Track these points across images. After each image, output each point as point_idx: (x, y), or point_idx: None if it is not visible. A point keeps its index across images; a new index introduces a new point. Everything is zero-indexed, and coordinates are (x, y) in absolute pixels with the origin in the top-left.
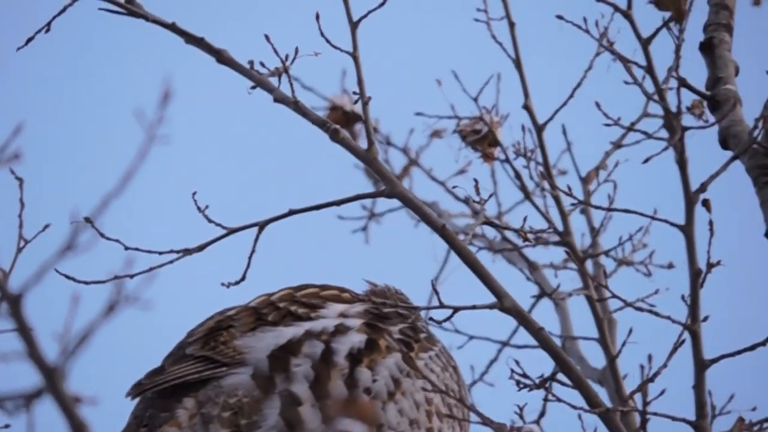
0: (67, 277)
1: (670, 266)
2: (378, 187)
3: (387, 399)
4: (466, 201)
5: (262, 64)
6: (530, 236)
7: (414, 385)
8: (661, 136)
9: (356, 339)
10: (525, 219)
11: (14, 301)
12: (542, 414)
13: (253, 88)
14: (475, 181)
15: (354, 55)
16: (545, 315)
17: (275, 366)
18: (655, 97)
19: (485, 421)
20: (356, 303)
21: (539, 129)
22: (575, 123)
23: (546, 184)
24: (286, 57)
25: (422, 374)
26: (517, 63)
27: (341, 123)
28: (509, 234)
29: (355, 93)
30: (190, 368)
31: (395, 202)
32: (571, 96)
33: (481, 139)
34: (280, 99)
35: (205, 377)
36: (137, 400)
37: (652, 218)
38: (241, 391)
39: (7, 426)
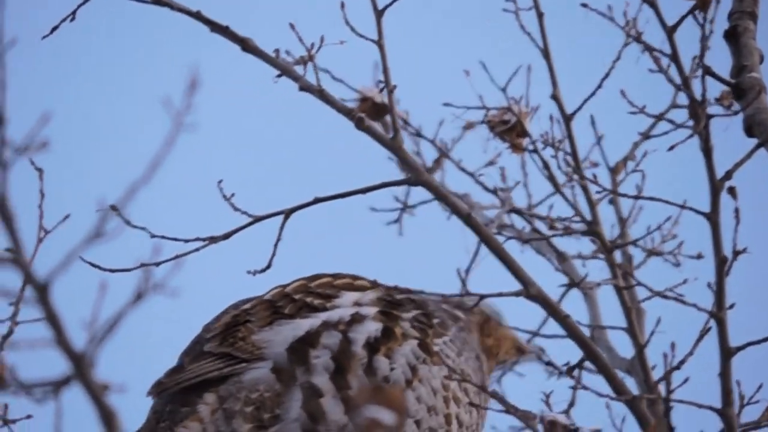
0: (93, 265)
1: (699, 256)
2: (407, 177)
3: (405, 386)
4: (495, 191)
5: (288, 53)
6: (558, 225)
7: (430, 371)
8: (688, 125)
9: (372, 327)
10: (551, 207)
11: (41, 289)
12: (571, 403)
13: (279, 76)
14: (501, 169)
15: (379, 44)
16: (574, 305)
17: (295, 359)
18: (681, 85)
19: (509, 410)
20: (369, 291)
21: (567, 119)
22: (603, 113)
23: (574, 175)
24: (312, 45)
25: (441, 360)
26: (546, 53)
27: (371, 114)
28: (538, 224)
29: (380, 82)
30: (210, 365)
31: (428, 194)
32: (600, 86)
33: (509, 129)
34: (305, 87)
35: (225, 374)
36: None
37: (679, 206)
38: (262, 385)
39: (29, 416)
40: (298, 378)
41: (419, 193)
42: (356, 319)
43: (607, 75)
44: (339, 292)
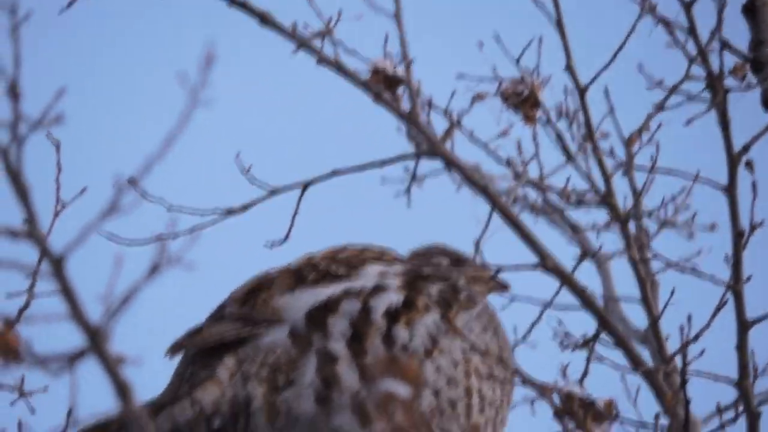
0: (110, 238)
1: (713, 228)
2: (420, 149)
3: (424, 357)
4: (508, 163)
5: (306, 27)
6: (572, 197)
7: (452, 343)
8: (703, 98)
9: (394, 298)
10: (568, 180)
11: (57, 262)
12: (585, 374)
13: (297, 50)
14: (518, 143)
15: (397, 17)
16: (588, 277)
17: (312, 324)
18: (698, 59)
19: (528, 382)
20: (396, 264)
21: (582, 91)
22: (618, 86)
23: (588, 146)
24: (329, 19)
25: (461, 333)
26: (559, 24)
27: (383, 86)
28: (551, 196)
29: (397, 55)
30: (229, 327)
31: (437, 165)
32: (614, 58)
33: (522, 101)
34: (323, 61)
35: (243, 336)
36: (179, 358)
37: (695, 179)
38: (279, 349)
39: (45, 388)
40: (314, 343)
41: (428, 165)
42: (379, 288)
43: (621, 47)
44: (364, 263)
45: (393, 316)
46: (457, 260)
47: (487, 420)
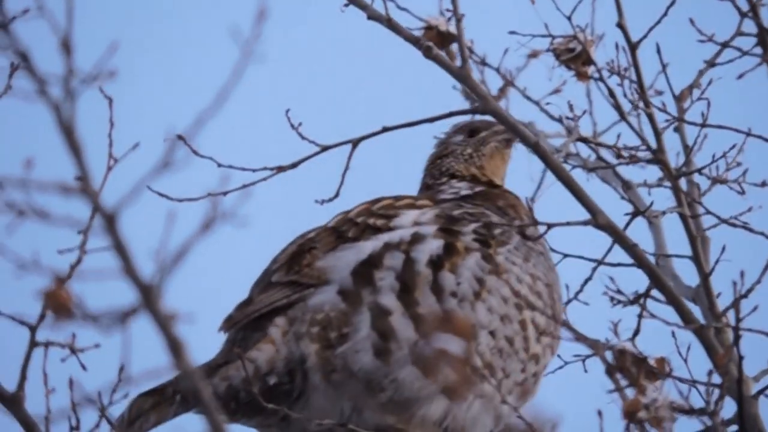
0: (161, 194)
1: (764, 184)
2: (472, 105)
3: (474, 299)
4: (560, 120)
5: None
6: (624, 154)
7: (498, 280)
8: (755, 53)
9: (434, 245)
10: (619, 137)
11: (109, 218)
12: (637, 331)
13: (347, 5)
14: (569, 103)
15: None
16: (639, 234)
17: (359, 281)
18: (750, 14)
19: (579, 338)
20: (427, 209)
21: (633, 47)
22: (669, 42)
23: (640, 103)
24: None
25: (505, 269)
26: None
27: (436, 43)
28: (603, 153)
29: (448, 11)
30: (278, 294)
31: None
32: (665, 14)
33: (575, 57)
34: (373, 16)
35: (293, 300)
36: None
37: (747, 134)
38: (327, 306)
39: (97, 345)
40: (364, 299)
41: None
42: (417, 238)
43: (672, 2)
44: (399, 212)
45: (436, 263)
46: (473, 129)
47: (544, 347)
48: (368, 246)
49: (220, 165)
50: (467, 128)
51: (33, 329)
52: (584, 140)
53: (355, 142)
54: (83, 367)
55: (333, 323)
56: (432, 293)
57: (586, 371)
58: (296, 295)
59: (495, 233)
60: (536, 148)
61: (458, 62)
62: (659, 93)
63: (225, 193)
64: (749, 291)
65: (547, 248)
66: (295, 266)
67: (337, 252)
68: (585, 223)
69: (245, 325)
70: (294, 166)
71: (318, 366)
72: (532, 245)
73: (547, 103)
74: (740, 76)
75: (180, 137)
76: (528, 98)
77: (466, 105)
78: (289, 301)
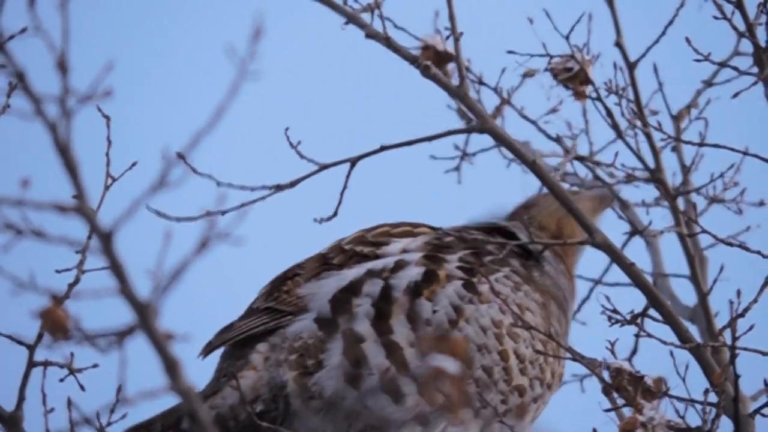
0: (159, 213)
1: (761, 204)
2: (470, 125)
3: (449, 327)
4: (558, 139)
5: (355, 0)
6: (621, 173)
7: (478, 310)
8: (751, 73)
9: (414, 272)
10: (616, 155)
11: (106, 238)
12: (634, 350)
13: (346, 23)
14: (568, 123)
15: None
16: (637, 253)
17: (337, 308)
18: (745, 32)
19: (575, 357)
20: (422, 236)
21: (631, 67)
22: (667, 61)
23: (638, 122)
24: None
25: (486, 298)
26: (609, 0)
27: (433, 62)
28: (600, 172)
29: (447, 29)
30: (256, 321)
31: (487, 142)
32: (663, 33)
33: (572, 77)
34: (372, 35)
35: (271, 328)
36: (217, 357)
37: (744, 153)
38: (305, 333)
39: (95, 365)
40: (340, 326)
41: (478, 141)
42: (400, 265)
43: (670, 22)
44: (390, 240)
45: (414, 291)
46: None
47: (532, 379)
48: (351, 273)
49: (219, 183)
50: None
51: (31, 349)
52: (582, 159)
53: (354, 161)
54: (81, 387)
55: (310, 350)
56: (407, 320)
57: (583, 391)
58: (273, 323)
59: (485, 261)
60: (534, 167)
61: (455, 81)
62: (655, 113)
63: (223, 212)
64: (746, 310)
65: (560, 269)
66: (275, 293)
67: (319, 280)
68: (582, 242)
69: (230, 353)
70: (293, 184)
71: (297, 392)
72: (543, 268)
73: (546, 122)
74: (735, 96)
75: (179, 155)
76: (525, 117)
77: (460, 124)
78: (267, 329)
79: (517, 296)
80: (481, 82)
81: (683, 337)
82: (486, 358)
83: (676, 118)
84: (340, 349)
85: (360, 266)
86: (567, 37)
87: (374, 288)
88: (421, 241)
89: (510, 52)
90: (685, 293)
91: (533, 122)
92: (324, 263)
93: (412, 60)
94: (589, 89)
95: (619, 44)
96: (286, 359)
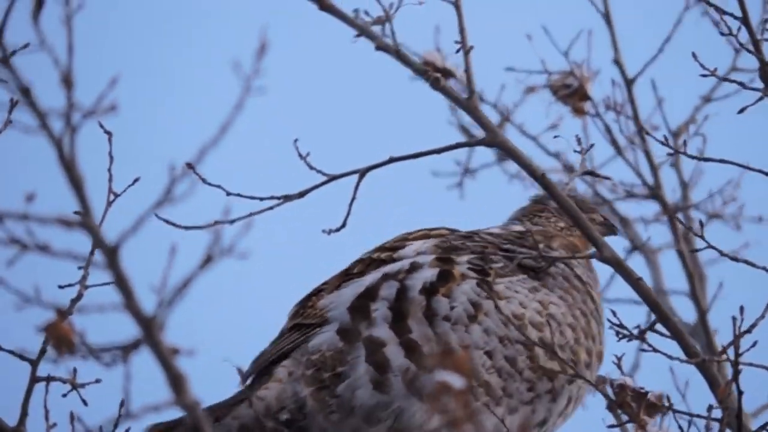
0: (168, 222)
1: (760, 219)
2: (471, 138)
3: (469, 322)
4: (557, 155)
5: (366, 13)
6: (621, 189)
7: (496, 305)
8: (752, 87)
9: (428, 273)
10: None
11: (111, 252)
12: (636, 365)
13: (357, 36)
14: (577, 137)
15: (456, 4)
16: (636, 269)
17: (356, 315)
18: (750, 47)
19: (580, 375)
20: (431, 238)
21: (629, 83)
22: (665, 78)
23: (636, 138)
24: (390, 6)
25: (503, 295)
26: (607, 17)
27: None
28: (600, 188)
29: (456, 42)
30: (285, 341)
31: (489, 158)
32: (661, 50)
33: (571, 93)
34: (382, 47)
35: (299, 342)
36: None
37: (746, 168)
38: (325, 346)
39: (98, 381)
40: (361, 333)
41: (480, 157)
42: (414, 267)
43: (668, 39)
44: (406, 243)
45: (430, 290)
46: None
47: (564, 363)
48: (367, 279)
49: (228, 193)
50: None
51: (34, 364)
52: (591, 173)
53: (363, 172)
54: (84, 402)
55: (327, 363)
56: (425, 318)
57: (584, 407)
58: (301, 338)
59: (493, 266)
60: (543, 181)
61: (463, 95)
62: (655, 128)
63: (232, 222)
64: (752, 327)
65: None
66: (301, 311)
67: (340, 289)
68: (590, 256)
69: (259, 372)
70: (301, 195)
71: (316, 408)
72: (562, 281)
73: (556, 137)
74: (741, 111)
75: (188, 165)
76: (525, 133)
77: (461, 138)
78: (295, 345)
79: (537, 295)
80: (481, 99)
81: (689, 352)
82: (508, 349)
83: (675, 134)
84: (363, 358)
85: (376, 272)
86: (566, 54)
87: (390, 291)
88: (432, 243)
89: (509, 69)
90: (683, 310)
91: (533, 138)
92: (346, 276)
93: (422, 72)
94: (588, 106)
95: (617, 61)
96: (303, 375)
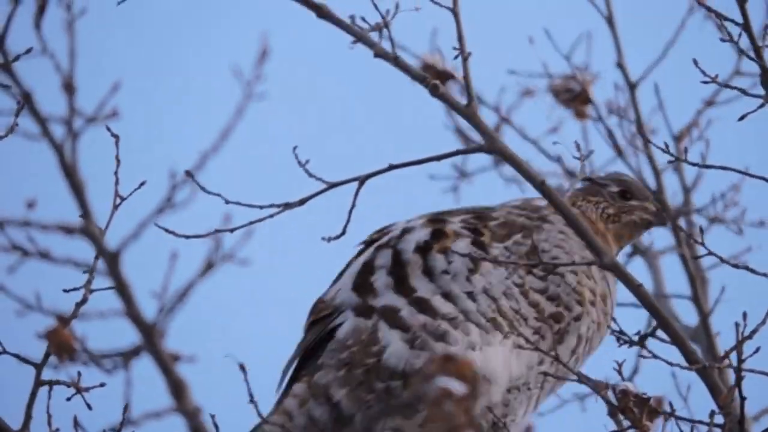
0: (167, 230)
1: (762, 224)
2: (469, 144)
3: (469, 273)
4: (558, 159)
5: (363, 19)
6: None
7: (494, 267)
8: (754, 93)
9: (421, 234)
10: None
11: (112, 258)
12: (635, 371)
13: (355, 42)
14: (576, 143)
15: (454, 11)
16: (638, 273)
17: (362, 292)
18: (751, 54)
19: (581, 379)
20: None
21: (632, 87)
22: (668, 82)
23: (638, 143)
24: (387, 12)
25: (494, 258)
26: (610, 21)
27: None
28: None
29: (455, 48)
30: (307, 342)
31: (486, 162)
32: (664, 54)
33: (573, 97)
34: (380, 54)
35: (320, 337)
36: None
37: (747, 174)
38: (349, 339)
39: (102, 384)
40: (375, 307)
41: (476, 161)
42: (405, 230)
43: (671, 43)
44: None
45: (424, 248)
46: (627, 191)
47: (568, 303)
48: (363, 257)
49: (228, 201)
50: (624, 186)
51: (38, 368)
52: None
53: (362, 180)
54: (88, 407)
55: (355, 359)
56: (424, 275)
57: (584, 410)
58: (317, 335)
59: (490, 224)
60: (543, 188)
61: (462, 101)
62: (657, 132)
63: (232, 230)
64: (754, 332)
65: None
66: (314, 309)
67: (342, 278)
68: (590, 263)
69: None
70: (302, 202)
71: (352, 407)
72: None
73: (555, 143)
74: (741, 118)
75: (188, 173)
76: (525, 137)
77: (458, 145)
78: (316, 340)
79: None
80: (480, 101)
81: (690, 358)
82: (512, 301)
83: (678, 139)
84: (387, 329)
85: (370, 248)
86: (568, 57)
87: (385, 258)
88: (424, 214)
89: (511, 72)
90: (685, 314)
91: (533, 142)
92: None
93: (421, 79)
94: (589, 109)
95: (620, 65)
96: (335, 377)
